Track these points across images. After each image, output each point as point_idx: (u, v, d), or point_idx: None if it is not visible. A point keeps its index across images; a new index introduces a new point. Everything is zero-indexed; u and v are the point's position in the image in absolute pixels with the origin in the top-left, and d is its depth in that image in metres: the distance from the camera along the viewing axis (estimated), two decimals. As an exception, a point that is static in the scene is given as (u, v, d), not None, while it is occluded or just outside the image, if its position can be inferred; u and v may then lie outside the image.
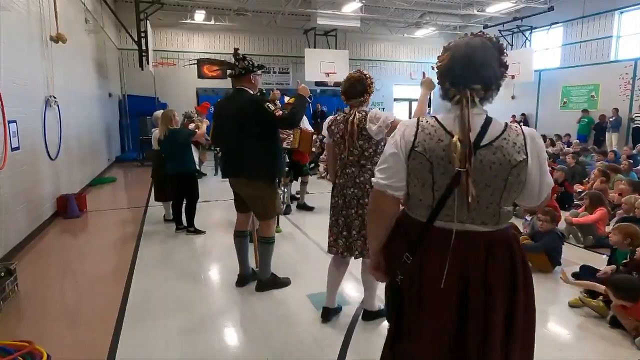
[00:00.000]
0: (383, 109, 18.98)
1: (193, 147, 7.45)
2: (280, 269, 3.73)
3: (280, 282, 3.48)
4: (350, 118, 2.64)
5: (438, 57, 1.44)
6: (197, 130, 5.13)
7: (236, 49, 3.36)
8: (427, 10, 15.27)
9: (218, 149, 8.47)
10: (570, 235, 4.87)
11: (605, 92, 13.21)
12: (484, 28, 16.34)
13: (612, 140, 12.49)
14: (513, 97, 16.45)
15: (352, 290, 3.44)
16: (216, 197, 7.06)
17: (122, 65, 14.01)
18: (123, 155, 12.94)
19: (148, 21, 10.83)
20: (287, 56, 16.99)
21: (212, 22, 15.10)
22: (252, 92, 3.24)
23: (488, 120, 1.36)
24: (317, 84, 15.97)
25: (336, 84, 16.18)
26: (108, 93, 11.74)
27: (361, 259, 2.79)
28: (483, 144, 1.32)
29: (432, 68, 1.71)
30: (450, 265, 1.33)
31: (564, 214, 5.07)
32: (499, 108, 17.07)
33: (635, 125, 11.94)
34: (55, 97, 6.10)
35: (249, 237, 3.51)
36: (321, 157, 10.18)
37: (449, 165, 1.32)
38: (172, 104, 14.56)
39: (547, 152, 9.25)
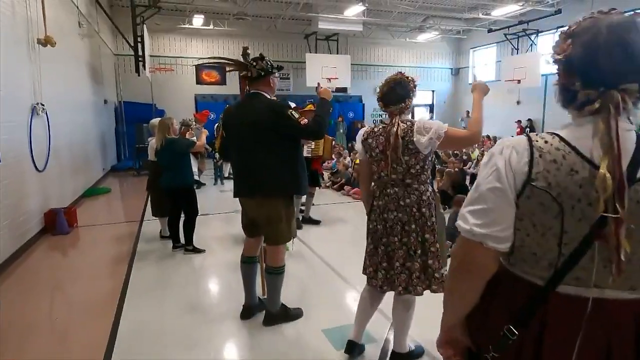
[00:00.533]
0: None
1: (192, 157, 7.07)
2: (290, 296, 3.30)
3: (292, 315, 3.05)
4: (394, 129, 2.22)
5: (556, 46, 1.01)
6: (196, 140, 4.72)
7: (245, 48, 2.92)
8: (431, 14, 14.97)
9: (217, 156, 8.05)
10: None
11: (615, 96, 12.86)
12: (488, 32, 16.05)
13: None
14: (518, 103, 16.11)
15: (376, 325, 3.00)
16: (216, 209, 6.64)
17: (119, 71, 13.62)
18: (119, 164, 12.51)
19: (144, 25, 10.46)
20: (287, 61, 16.60)
21: (211, 26, 14.75)
22: (270, 97, 2.81)
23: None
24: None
25: (338, 90, 15.85)
26: (103, 99, 11.34)
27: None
28: None
29: (474, 78, 1.34)
30: (582, 347, 0.92)
31: None
32: (503, 114, 16.92)
33: (648, 131, 11.56)
34: (43, 105, 5.69)
35: (257, 264, 3.07)
36: (323, 164, 9.78)
37: (588, 208, 0.89)
38: (169, 110, 14.19)
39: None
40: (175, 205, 4.58)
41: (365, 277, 2.46)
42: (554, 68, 1.03)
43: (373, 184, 2.41)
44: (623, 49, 0.89)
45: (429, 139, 2.14)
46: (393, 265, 2.30)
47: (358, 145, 2.44)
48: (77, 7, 8.53)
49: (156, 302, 3.41)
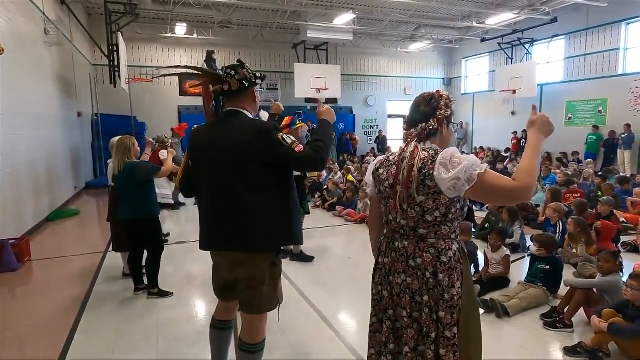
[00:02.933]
0: (377, 126, 18.11)
1: (165, 180, 6.34)
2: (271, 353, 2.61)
3: None
4: (407, 157, 1.58)
5: None
6: (162, 165, 4.03)
7: (210, 52, 2.16)
8: (423, 23, 14.54)
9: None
10: None
11: (613, 107, 12.45)
12: (481, 41, 15.67)
13: (624, 158, 11.67)
14: (513, 113, 15.69)
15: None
16: (194, 236, 5.90)
17: (96, 82, 12.86)
18: (95, 180, 11.68)
19: (120, 34, 9.76)
20: (275, 71, 16.04)
21: (195, 35, 14.12)
22: (252, 117, 2.14)
23: None
24: (307, 100, 15.04)
25: (328, 100, 15.26)
26: (77, 112, 10.56)
27: None
28: None
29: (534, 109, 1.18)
30: None
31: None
32: (498, 125, 16.43)
33: (650, 142, 11.15)
34: (-10, 121, 4.96)
35: (232, 330, 2.33)
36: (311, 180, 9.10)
37: None
38: (151, 123, 13.51)
39: (565, 174, 8.36)
40: (136, 239, 3.85)
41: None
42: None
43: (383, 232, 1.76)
44: None
45: (455, 179, 1.48)
46: (402, 350, 1.64)
47: (369, 178, 1.81)
48: (43, 13, 7.82)
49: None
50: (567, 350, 2.83)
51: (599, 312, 2.86)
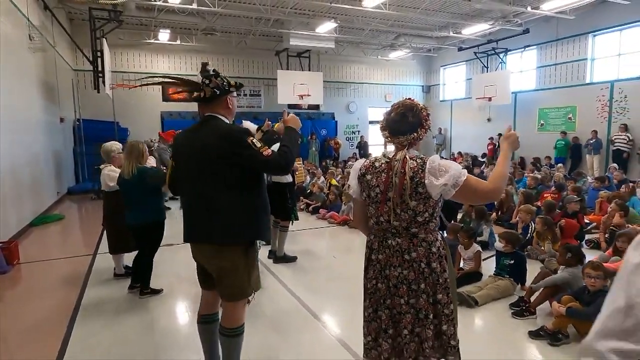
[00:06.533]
0: (358, 132, 18.46)
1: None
2: (256, 349, 2.81)
3: None
4: (398, 166, 1.80)
5: None
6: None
7: (205, 64, 2.37)
8: (402, 32, 14.99)
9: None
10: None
11: (582, 114, 13.10)
12: (458, 50, 16.23)
13: (593, 162, 12.29)
14: (489, 120, 16.25)
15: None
16: (179, 240, 6.02)
17: (78, 87, 12.82)
18: (77, 186, 11.63)
19: (105, 40, 9.83)
20: (258, 78, 16.25)
21: (178, 42, 14.22)
22: (228, 122, 2.34)
23: None
24: (290, 106, 15.26)
25: (310, 107, 15.55)
26: (59, 118, 10.55)
27: None
28: None
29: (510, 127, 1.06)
30: None
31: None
32: (475, 131, 16.98)
33: (616, 147, 11.77)
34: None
35: (219, 322, 2.54)
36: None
37: None
38: (134, 129, 13.51)
39: (534, 177, 8.82)
40: (143, 242, 3.96)
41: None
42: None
43: (371, 231, 1.99)
44: None
45: (443, 185, 1.74)
46: (401, 333, 1.87)
47: (353, 181, 2.01)
48: (28, 19, 7.86)
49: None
50: (531, 334, 3.13)
51: (559, 298, 3.18)
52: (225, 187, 2.18)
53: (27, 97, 7.79)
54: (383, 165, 1.88)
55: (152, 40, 13.98)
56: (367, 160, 1.99)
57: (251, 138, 2.19)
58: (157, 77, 2.61)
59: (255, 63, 16.20)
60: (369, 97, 18.50)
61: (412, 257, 1.83)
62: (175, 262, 5.06)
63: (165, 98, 14.82)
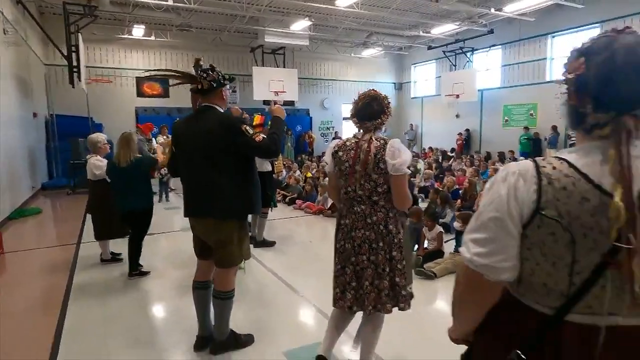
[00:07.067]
0: (333, 127, 18.88)
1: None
2: (245, 319, 3.15)
3: (242, 342, 2.87)
4: (365, 145, 2.18)
5: (569, 64, 0.98)
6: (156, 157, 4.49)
7: (198, 59, 2.70)
8: (374, 31, 15.45)
9: (163, 171, 7.67)
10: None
11: (543, 110, 13.92)
12: (428, 49, 16.83)
13: (550, 156, 13.08)
14: (457, 116, 16.96)
15: (341, 345, 2.92)
16: (162, 228, 6.27)
17: (50, 82, 12.69)
18: (51, 181, 11.56)
19: (80, 35, 9.84)
20: (234, 74, 16.29)
21: (153, 37, 14.22)
22: (223, 111, 2.66)
23: None
24: (265, 102, 15.50)
25: (286, 103, 15.81)
26: (32, 113, 10.48)
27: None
28: None
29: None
30: None
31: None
32: (445, 127, 17.66)
33: (572, 142, 12.52)
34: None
35: (212, 289, 2.87)
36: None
37: (600, 237, 0.87)
38: (108, 125, 13.44)
39: (495, 169, 9.45)
40: (136, 227, 4.26)
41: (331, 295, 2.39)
42: (563, 87, 0.99)
43: (341, 200, 2.35)
44: (638, 76, 0.87)
45: (396, 167, 2.12)
46: (362, 285, 2.25)
47: (328, 157, 2.38)
48: (2, 13, 7.85)
49: (99, 341, 3.07)
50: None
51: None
52: (223, 169, 2.52)
53: (3, 92, 7.78)
54: (352, 144, 2.26)
55: (126, 36, 13.94)
56: (340, 140, 2.37)
57: (245, 126, 2.54)
58: (162, 70, 2.92)
59: (230, 59, 16.34)
60: (343, 94, 18.92)
61: (373, 220, 2.21)
62: (159, 248, 5.32)
63: (140, 93, 14.81)
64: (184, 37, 14.65)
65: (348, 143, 2.29)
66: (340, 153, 2.29)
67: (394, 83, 20.19)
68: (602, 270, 0.88)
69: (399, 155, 2.13)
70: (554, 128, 13.05)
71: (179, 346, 2.94)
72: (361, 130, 2.29)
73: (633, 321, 0.91)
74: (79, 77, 9.73)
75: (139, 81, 14.63)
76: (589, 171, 0.90)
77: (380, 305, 2.22)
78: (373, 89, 2.35)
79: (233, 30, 14.65)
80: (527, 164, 0.96)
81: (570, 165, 0.92)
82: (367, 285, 2.22)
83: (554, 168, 0.93)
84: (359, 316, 2.43)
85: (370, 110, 2.25)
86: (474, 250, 0.98)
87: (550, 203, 0.90)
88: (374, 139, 2.20)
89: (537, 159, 0.98)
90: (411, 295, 2.28)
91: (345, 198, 2.30)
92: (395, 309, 2.25)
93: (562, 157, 0.95)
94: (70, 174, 10.59)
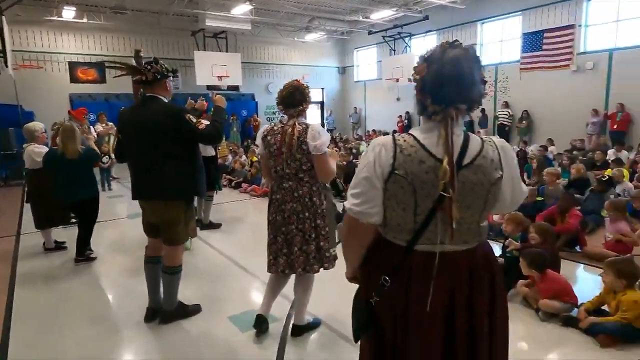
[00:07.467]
0: (278, 111, 18.98)
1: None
2: (194, 294, 3.42)
3: (190, 311, 3.16)
4: (289, 130, 2.49)
5: (416, 68, 1.33)
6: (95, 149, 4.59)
7: (138, 50, 2.89)
8: (316, 15, 15.66)
9: (105, 159, 7.61)
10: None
11: (474, 93, 14.91)
12: (369, 34, 17.33)
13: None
14: (398, 99, 17.70)
15: (279, 307, 3.26)
16: (105, 216, 6.27)
17: (-30, 68, 11.77)
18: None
19: (3, 17, 9.26)
20: (174, 59, 15.95)
21: (85, 20, 13.54)
22: (167, 101, 2.87)
23: (467, 138, 1.32)
24: (209, 87, 15.33)
25: (230, 88, 15.73)
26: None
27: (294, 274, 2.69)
28: (465, 163, 1.28)
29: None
30: (435, 287, 1.29)
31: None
32: (386, 110, 18.35)
33: (500, 122, 13.71)
34: None
35: (161, 264, 3.09)
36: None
37: (433, 189, 1.26)
38: (40, 112, 12.74)
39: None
40: (85, 215, 4.38)
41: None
42: (413, 84, 1.35)
43: (272, 178, 2.67)
44: (461, 80, 1.26)
45: (317, 148, 2.46)
46: (292, 250, 2.60)
47: (258, 141, 2.68)
48: None
49: (50, 320, 3.23)
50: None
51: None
52: (169, 155, 2.75)
53: None
54: (279, 129, 2.58)
55: (55, 18, 13.16)
56: (268, 126, 2.68)
57: (188, 115, 2.78)
58: (108, 62, 3.10)
59: (170, 43, 15.91)
60: (288, 78, 18.02)
61: (299, 194, 2.56)
62: (104, 236, 5.38)
63: (74, 79, 14.12)
64: (119, 19, 14.05)
65: (275, 128, 2.61)
66: (269, 137, 2.60)
67: (338, 67, 20.59)
68: (434, 212, 1.28)
69: (319, 138, 2.47)
70: (482, 111, 14.07)
71: (131, 318, 3.17)
72: (286, 116, 2.60)
73: (453, 247, 1.33)
74: (5, 63, 9.19)
75: (72, 66, 13.94)
76: (427, 143, 1.29)
77: (309, 267, 2.59)
78: (296, 80, 2.67)
79: (172, 14, 14.27)
80: (388, 138, 1.33)
81: (415, 139, 1.31)
82: (297, 250, 2.58)
83: (405, 141, 1.31)
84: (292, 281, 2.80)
85: (292, 99, 2.57)
86: (352, 202, 1.35)
87: (400, 165, 1.28)
88: (297, 124, 2.52)
89: (395, 134, 1.36)
90: (335, 257, 2.67)
91: (275, 176, 2.62)
92: (322, 270, 2.63)
93: (411, 133, 1.34)
94: (2, 166, 10.06)
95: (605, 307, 2.88)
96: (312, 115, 19.74)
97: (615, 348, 2.64)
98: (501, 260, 3.63)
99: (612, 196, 5.15)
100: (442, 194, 1.24)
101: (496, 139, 1.38)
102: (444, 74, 1.26)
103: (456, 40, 1.35)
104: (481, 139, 1.35)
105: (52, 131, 6.56)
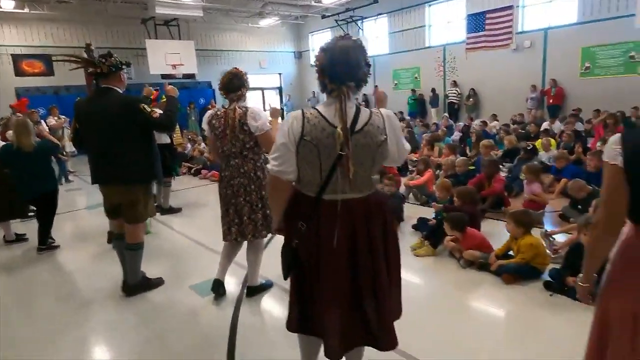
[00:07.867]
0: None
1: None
2: (157, 271, 3.70)
3: (153, 284, 3.46)
4: (231, 113, 2.79)
5: (316, 56, 1.69)
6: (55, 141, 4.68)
7: (88, 44, 3.09)
8: (269, 1, 15.70)
9: (65, 152, 7.61)
10: (411, 195, 5.84)
11: (424, 74, 15.55)
12: (322, 18, 17.55)
13: (432, 114, 14.86)
14: (354, 81, 18.11)
15: (234, 273, 3.60)
16: (64, 208, 6.35)
17: None
18: None
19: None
20: (125, 48, 15.60)
21: (26, 10, 13.02)
22: (121, 92, 3.09)
23: (358, 110, 1.67)
24: (164, 76, 15.13)
25: (186, 76, 15.60)
26: None
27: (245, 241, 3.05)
28: (356, 129, 1.63)
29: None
30: (340, 228, 1.67)
31: (404, 179, 6.04)
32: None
33: (450, 101, 14.41)
34: None
35: (124, 240, 3.32)
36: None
37: (333, 150, 1.62)
38: (-16, 108, 12.29)
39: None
40: (45, 207, 4.48)
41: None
42: (315, 69, 1.72)
43: (221, 157, 2.98)
44: (347, 62, 1.62)
45: (257, 125, 2.79)
46: (242, 220, 2.94)
47: (204, 125, 2.98)
48: None
49: (18, 306, 3.40)
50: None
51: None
52: (125, 142, 2.99)
53: None
54: (222, 113, 2.89)
55: (-7, 8, 12.59)
56: (212, 111, 2.97)
57: (142, 105, 3.02)
58: (62, 56, 3.27)
59: (120, 32, 15.53)
60: (245, 65, 18.72)
61: (245, 170, 2.89)
62: (64, 229, 5.49)
63: (19, 72, 13.61)
64: (63, 9, 13.60)
65: (219, 112, 2.91)
66: (214, 121, 2.90)
67: (294, 52, 20.72)
68: (335, 168, 1.66)
69: (260, 118, 2.80)
70: (433, 90, 14.73)
71: (98, 294, 3.43)
72: (227, 101, 2.91)
73: (352, 195, 1.72)
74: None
75: (16, 59, 13.42)
76: (327, 115, 1.66)
77: (258, 233, 2.94)
78: (235, 67, 2.97)
79: (120, 1, 13.93)
80: (299, 112, 1.70)
81: (319, 112, 1.68)
82: (246, 219, 2.92)
83: (311, 114, 1.67)
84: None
85: (231, 84, 2.88)
86: (272, 163, 1.71)
87: (308, 133, 1.64)
88: (237, 107, 2.83)
89: (304, 108, 1.72)
90: (279, 222, 3.04)
91: (222, 155, 2.93)
92: (269, 235, 2.99)
93: (316, 107, 1.70)
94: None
95: (511, 253, 3.41)
96: (272, 101, 19.87)
97: (518, 284, 3.18)
98: (433, 222, 4.13)
99: (535, 163, 5.78)
100: (340, 153, 1.62)
101: (384, 110, 1.76)
102: (335, 58, 1.63)
103: (347, 34, 1.75)
104: (370, 110, 1.73)
105: (0, 127, 6.55)
